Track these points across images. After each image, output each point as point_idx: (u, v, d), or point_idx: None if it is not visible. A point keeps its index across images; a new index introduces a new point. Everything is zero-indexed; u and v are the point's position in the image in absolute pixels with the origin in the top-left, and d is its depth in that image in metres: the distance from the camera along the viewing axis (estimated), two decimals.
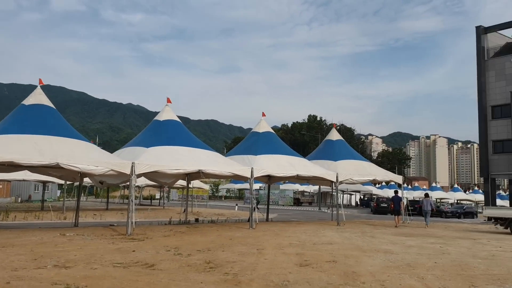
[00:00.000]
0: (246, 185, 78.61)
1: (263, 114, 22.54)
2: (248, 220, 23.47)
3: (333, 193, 59.16)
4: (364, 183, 41.82)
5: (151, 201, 56.54)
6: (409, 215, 26.16)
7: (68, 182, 33.75)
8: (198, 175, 21.12)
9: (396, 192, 26.17)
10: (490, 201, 39.77)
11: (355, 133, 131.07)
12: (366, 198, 67.15)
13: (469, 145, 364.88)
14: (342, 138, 25.17)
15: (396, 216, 24.09)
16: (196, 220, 23.67)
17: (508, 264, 10.21)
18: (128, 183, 15.82)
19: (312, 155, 25.00)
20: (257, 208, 25.31)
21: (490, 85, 40.65)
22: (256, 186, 72.05)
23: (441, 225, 25.67)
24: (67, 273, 8.22)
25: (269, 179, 24.10)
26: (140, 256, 10.41)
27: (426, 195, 29.32)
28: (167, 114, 19.18)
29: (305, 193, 60.92)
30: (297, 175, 20.32)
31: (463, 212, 47.03)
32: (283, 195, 57.77)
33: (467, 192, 78.83)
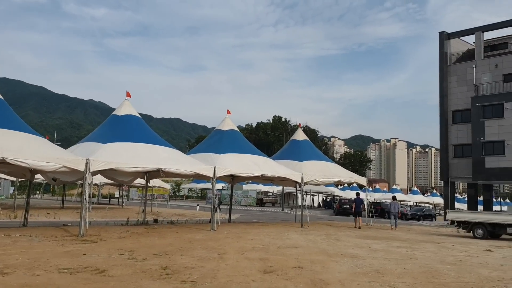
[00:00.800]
0: (208, 185, 77.52)
1: (228, 112, 21.84)
2: (210, 222, 22.73)
3: (297, 194, 59.10)
4: (327, 185, 41.67)
5: (109, 200, 54.78)
6: (371, 216, 26.03)
7: (20, 179, 32.03)
8: (158, 174, 20.17)
9: (357, 194, 26.30)
10: (449, 204, 40.41)
11: (319, 134, 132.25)
12: (328, 199, 67.40)
13: (427, 149, 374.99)
14: (307, 139, 24.76)
15: (356, 218, 24.20)
16: (155, 220, 22.72)
17: (478, 271, 9.89)
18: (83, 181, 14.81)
19: (277, 155, 24.48)
20: (219, 208, 24.55)
21: (451, 90, 41.35)
22: (219, 186, 71.20)
23: (403, 227, 25.64)
24: (3, 281, 7.30)
25: (233, 179, 23.42)
26: (90, 261, 9.54)
27: (394, 198, 29.52)
28: (126, 108, 18.20)
29: (268, 194, 60.49)
30: (262, 175, 19.73)
31: (422, 215, 47.76)
32: (246, 196, 57.18)
33: (425, 195, 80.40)
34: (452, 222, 19.73)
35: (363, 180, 24.60)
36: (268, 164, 20.65)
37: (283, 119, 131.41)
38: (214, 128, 23.05)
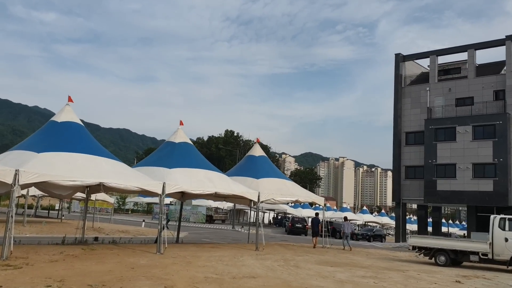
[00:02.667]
0: (155, 199, 74.50)
1: (181, 123, 20.26)
2: (156, 241, 20.91)
3: (250, 211, 57.62)
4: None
5: (48, 213, 51.31)
6: (326, 236, 25.08)
7: None
8: (100, 188, 18.29)
9: (317, 214, 27.58)
10: (401, 225, 40.29)
11: (270, 150, 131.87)
12: (279, 217, 66.40)
13: (373, 169, 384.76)
14: (265, 155, 23.51)
15: (314, 238, 25.09)
16: (95, 239, 20.63)
17: None
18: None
19: (232, 171, 23.04)
20: (167, 227, 22.76)
21: (405, 111, 41.57)
22: (167, 200, 68.72)
23: (360, 251, 24.75)
24: None
25: (183, 196, 21.73)
26: None
27: (346, 219, 29.63)
28: (66, 115, 16.28)
29: (218, 210, 58.75)
30: (216, 192, 18.22)
31: (373, 235, 47.47)
32: (195, 212, 55.19)
33: (374, 214, 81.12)
34: (414, 247, 18.96)
35: (320, 200, 23.60)
36: (223, 181, 19.19)
37: (235, 134, 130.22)
38: (164, 140, 21.42)
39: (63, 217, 41.25)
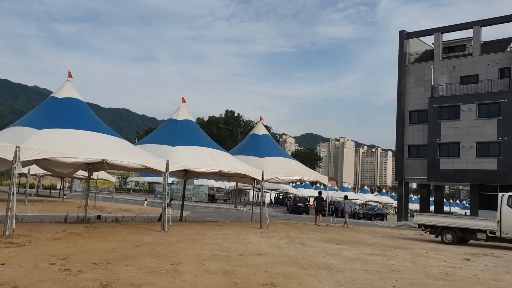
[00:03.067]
0: (157, 179, 74.46)
1: (183, 100, 19.88)
2: (159, 220, 20.74)
3: (253, 190, 57.58)
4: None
5: (50, 192, 51.24)
6: (330, 215, 25.00)
7: None
8: (102, 166, 18.03)
9: (320, 192, 28.10)
10: (403, 204, 40.16)
11: (271, 131, 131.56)
12: (281, 197, 66.44)
13: (373, 149, 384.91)
14: (268, 133, 23.16)
15: (318, 215, 25.84)
16: (98, 217, 20.46)
17: None
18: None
19: (236, 150, 22.72)
20: (170, 205, 22.61)
21: (409, 90, 41.07)
22: (169, 180, 68.80)
23: (364, 229, 24.63)
24: None
25: (186, 174, 21.51)
26: (8, 275, 7.49)
27: (346, 197, 29.90)
28: (67, 90, 15.89)
29: (220, 190, 58.67)
30: (220, 171, 17.96)
31: (374, 214, 47.42)
32: (197, 191, 55.08)
33: (374, 194, 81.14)
34: (420, 225, 18.76)
35: (324, 179, 23.35)
36: (227, 160, 18.91)
37: (236, 114, 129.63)
38: (164, 120, 21.06)
39: (64, 196, 41.07)
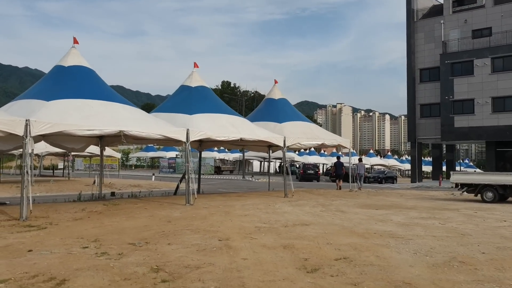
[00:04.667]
0: (159, 153, 73.72)
1: (195, 65, 18.53)
2: (175, 193, 19.76)
3: (260, 160, 56.46)
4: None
5: (53, 171, 50.11)
6: (354, 180, 24.13)
7: None
8: (116, 138, 16.76)
9: (338, 158, 28.83)
10: (416, 165, 39.27)
11: None
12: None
13: (370, 113, 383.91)
14: (285, 97, 21.86)
15: (339, 180, 25.92)
16: (112, 194, 19.44)
17: None
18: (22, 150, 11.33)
19: (251, 116, 21.44)
20: (185, 178, 21.58)
21: (418, 47, 39.62)
22: (172, 154, 67.65)
23: (389, 192, 23.64)
24: None
25: (201, 145, 20.34)
26: (40, 263, 6.42)
27: (360, 160, 29.43)
28: (73, 58, 14.51)
29: (226, 161, 57.65)
30: (241, 138, 16.78)
31: (385, 177, 46.65)
32: (203, 163, 53.66)
33: (380, 158, 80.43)
34: (457, 185, 17.77)
35: (346, 143, 22.22)
36: (247, 126, 17.72)
37: (232, 85, 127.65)
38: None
39: (69, 175, 39.96)
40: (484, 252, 7.20)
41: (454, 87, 36.27)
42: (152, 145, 76.57)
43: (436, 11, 40.27)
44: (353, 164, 30.25)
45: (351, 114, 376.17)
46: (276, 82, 22.10)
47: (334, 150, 77.91)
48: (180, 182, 21.34)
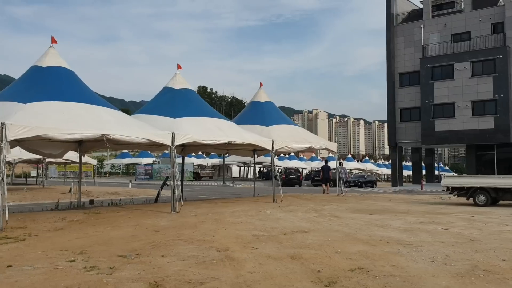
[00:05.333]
0: (134, 160, 72.28)
1: (179, 67, 17.87)
2: (156, 201, 18.99)
3: (240, 166, 55.67)
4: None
5: (26, 180, 48.41)
6: (341, 184, 23.70)
7: None
8: (97, 143, 16.01)
9: (326, 161, 29.04)
10: (397, 169, 39.26)
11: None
12: (265, 170, 64.94)
13: (345, 119, 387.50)
14: (271, 100, 21.32)
15: (325, 184, 25.88)
16: (91, 202, 18.47)
17: None
18: None
19: (237, 119, 20.80)
20: (167, 185, 20.81)
21: (398, 51, 39.71)
22: (148, 160, 66.33)
23: (376, 196, 23.32)
24: None
25: (183, 149, 19.65)
26: (23, 281, 5.70)
27: (341, 164, 29.39)
28: (52, 58, 13.70)
29: (204, 167, 56.81)
30: (229, 142, 16.16)
31: (364, 181, 46.56)
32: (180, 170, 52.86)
33: (358, 162, 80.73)
34: (448, 188, 17.51)
35: (333, 146, 21.78)
36: (234, 130, 17.11)
37: (208, 90, 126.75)
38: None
39: (42, 183, 38.54)
40: (504, 259, 6.77)
41: (434, 91, 36.40)
42: (127, 151, 75.23)
43: (416, 15, 40.49)
44: (333, 168, 30.33)
45: (327, 119, 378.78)
46: (261, 84, 21.59)
47: (313, 155, 77.96)
48: (161, 189, 20.58)
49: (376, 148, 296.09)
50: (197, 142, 15.28)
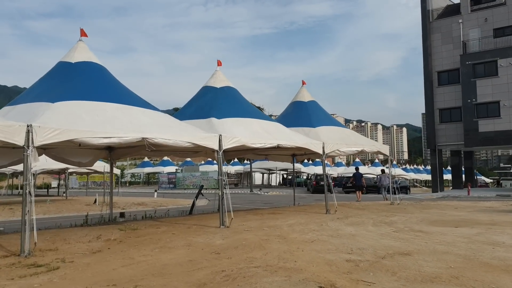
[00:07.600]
0: (156, 169, 70.79)
1: (219, 63, 16.07)
2: (190, 212, 17.24)
3: (265, 173, 53.52)
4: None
5: (47, 191, 47.05)
6: (395, 192, 21.69)
7: None
8: (129, 150, 14.25)
9: (357, 169, 28.50)
10: (438, 174, 36.89)
11: (265, 113, 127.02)
12: (290, 177, 62.88)
13: (363, 124, 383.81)
14: (314, 99, 19.37)
15: (358, 192, 25.96)
16: (121, 215, 16.61)
17: None
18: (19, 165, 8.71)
19: (279, 120, 18.86)
20: (202, 194, 19.05)
21: (435, 49, 37.44)
22: (171, 169, 64.75)
23: (435, 204, 21.04)
24: None
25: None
26: None
27: (383, 171, 28.45)
28: (81, 53, 11.95)
29: (229, 174, 55.02)
30: (278, 145, 14.25)
31: (398, 187, 44.29)
32: (206, 178, 51.19)
33: (386, 167, 78.08)
34: None
35: (385, 149, 19.71)
36: (281, 132, 15.20)
37: None
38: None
39: (65, 194, 37.04)
40: None
41: (477, 89, 34.09)
42: (149, 160, 73.87)
43: (452, 10, 38.24)
44: (377, 175, 28.52)
45: (344, 124, 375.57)
46: (304, 83, 19.66)
47: (339, 160, 75.61)
48: (196, 199, 18.81)
49: (397, 153, 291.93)
50: (245, 146, 13.38)
